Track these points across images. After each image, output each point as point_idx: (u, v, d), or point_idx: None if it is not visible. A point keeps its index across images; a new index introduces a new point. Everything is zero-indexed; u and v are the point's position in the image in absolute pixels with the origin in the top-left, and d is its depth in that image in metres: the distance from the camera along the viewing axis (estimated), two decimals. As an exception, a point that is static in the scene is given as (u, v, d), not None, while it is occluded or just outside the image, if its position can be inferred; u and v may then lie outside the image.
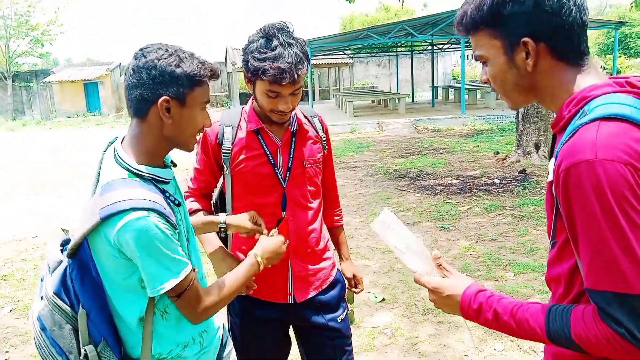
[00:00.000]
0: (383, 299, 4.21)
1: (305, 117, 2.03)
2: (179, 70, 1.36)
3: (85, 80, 30.03)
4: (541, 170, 8.60)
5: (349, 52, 27.28)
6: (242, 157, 1.90)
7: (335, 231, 2.27)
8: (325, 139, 2.07)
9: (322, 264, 2.05)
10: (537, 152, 9.29)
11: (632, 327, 0.90)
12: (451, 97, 25.76)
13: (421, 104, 23.66)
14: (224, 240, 1.99)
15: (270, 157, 1.91)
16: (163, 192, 1.42)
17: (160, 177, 1.44)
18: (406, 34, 19.25)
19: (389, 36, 18.73)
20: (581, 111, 1.01)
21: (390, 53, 30.72)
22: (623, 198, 0.90)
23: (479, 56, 1.15)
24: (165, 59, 1.37)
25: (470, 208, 6.82)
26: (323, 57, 29.16)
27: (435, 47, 25.95)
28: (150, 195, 1.33)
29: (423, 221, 6.35)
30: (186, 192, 2.00)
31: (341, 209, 2.30)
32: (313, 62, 25.18)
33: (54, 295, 1.37)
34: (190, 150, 1.51)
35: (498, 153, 10.42)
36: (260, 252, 1.66)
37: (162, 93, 1.37)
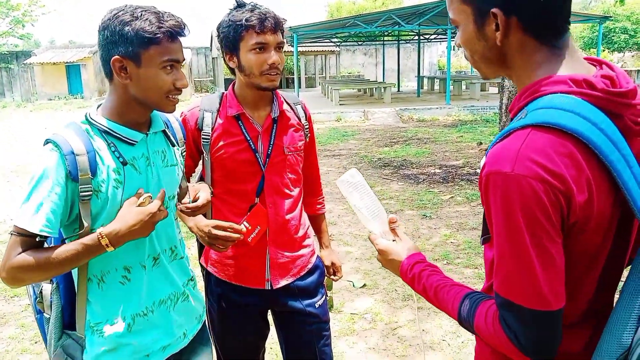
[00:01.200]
0: (364, 285, 4.25)
1: (288, 104, 2.01)
2: (127, 29, 1.35)
3: (67, 62, 29.47)
4: (523, 161, 8.70)
5: (335, 40, 27.15)
6: (221, 143, 1.89)
7: (317, 219, 2.27)
8: (307, 126, 2.06)
9: (301, 251, 2.06)
10: (520, 143, 9.38)
11: (519, 334, 0.93)
12: (437, 87, 25.84)
13: (407, 94, 23.70)
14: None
15: (251, 143, 1.90)
16: (110, 145, 1.42)
17: (115, 132, 1.44)
18: (393, 23, 19.21)
19: (376, 25, 18.68)
20: (525, 107, 0.97)
21: (377, 42, 30.65)
22: (531, 214, 0.89)
23: (451, 19, 1.09)
24: (117, 17, 1.36)
25: (452, 197, 6.88)
26: (310, 44, 29.00)
27: (421, 37, 25.96)
28: (70, 136, 1.37)
29: (405, 209, 6.40)
30: None
31: (323, 197, 2.30)
32: (299, 49, 25.00)
33: None
34: (168, 111, 1.49)
35: (481, 144, 10.52)
36: (110, 231, 1.35)
37: (114, 53, 1.38)
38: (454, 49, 25.59)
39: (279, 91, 1.99)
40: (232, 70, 1.89)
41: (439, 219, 6.00)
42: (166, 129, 1.62)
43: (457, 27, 1.09)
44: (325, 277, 2.22)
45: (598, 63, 1.03)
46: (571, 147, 0.89)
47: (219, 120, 1.91)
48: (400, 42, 27.63)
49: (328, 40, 27.35)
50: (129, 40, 1.35)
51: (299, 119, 2.03)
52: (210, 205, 1.62)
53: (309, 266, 2.09)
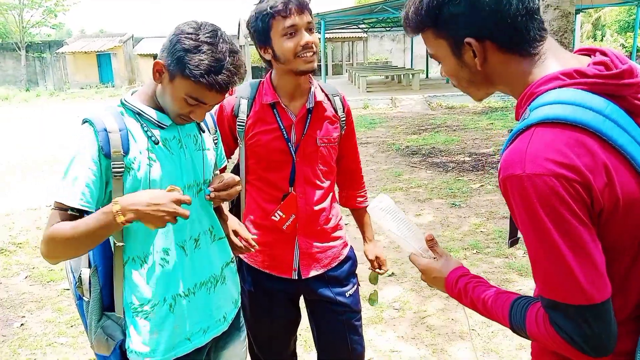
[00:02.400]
0: (392, 274, 4.23)
1: (326, 95, 2.00)
2: (179, 55, 1.37)
3: (98, 51, 30.03)
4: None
5: (363, 26, 26.90)
6: (256, 130, 1.90)
7: (359, 212, 2.24)
8: (344, 119, 2.03)
9: (332, 243, 2.06)
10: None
11: (571, 332, 0.92)
12: (466, 73, 25.36)
13: (435, 80, 23.36)
14: (237, 213, 2.01)
15: (284, 132, 1.90)
16: (143, 126, 1.48)
17: (146, 114, 1.49)
18: (422, 9, 18.87)
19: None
20: (527, 108, 0.99)
21: (405, 28, 30.17)
22: (554, 211, 0.88)
23: (431, 55, 1.13)
24: (187, 39, 1.37)
25: (482, 185, 6.78)
26: (336, 31, 28.79)
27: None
28: (104, 115, 1.45)
29: (434, 198, 6.34)
30: None
31: (366, 190, 2.26)
32: (326, 36, 24.85)
33: None
34: (178, 124, 1.54)
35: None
36: (126, 199, 1.32)
37: (161, 57, 1.43)
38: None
39: (318, 81, 1.99)
40: (269, 63, 1.88)
41: (469, 207, 5.92)
42: None
43: (437, 60, 1.13)
44: (370, 272, 2.22)
45: (591, 52, 1.05)
46: (579, 136, 0.89)
47: (255, 108, 1.92)
48: (428, 27, 27.15)
49: (356, 27, 27.11)
50: (177, 61, 1.38)
51: (336, 111, 2.00)
52: (240, 189, 1.62)
53: (341, 257, 2.09)
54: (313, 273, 2.01)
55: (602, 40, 32.79)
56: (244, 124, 1.91)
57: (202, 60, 1.35)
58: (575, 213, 0.88)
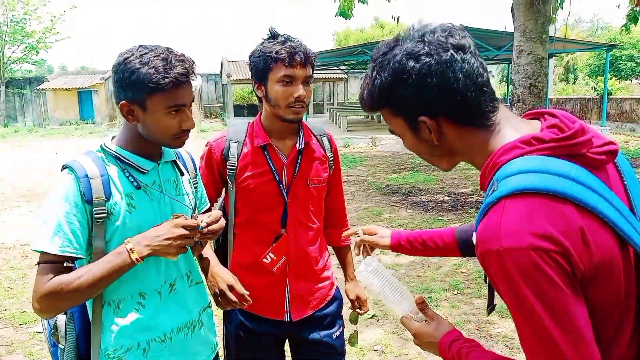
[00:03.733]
0: (374, 315, 4.20)
1: (314, 135, 2.02)
2: (134, 77, 1.37)
3: (79, 88, 29.95)
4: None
5: (343, 67, 27.46)
6: (247, 173, 1.90)
7: (343, 251, 2.25)
8: (332, 158, 2.06)
9: (321, 284, 2.05)
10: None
11: None
12: (444, 114, 25.87)
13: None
14: (224, 260, 1.98)
15: (276, 175, 1.90)
16: (124, 170, 1.47)
17: (126, 159, 1.48)
18: (401, 51, 19.39)
19: (384, 52, 18.84)
20: (492, 181, 0.99)
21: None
22: (536, 285, 0.87)
23: (391, 131, 1.15)
24: (128, 62, 1.38)
25: (461, 225, 6.83)
26: (318, 71, 29.30)
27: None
28: (85, 161, 1.43)
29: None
30: None
31: (349, 229, 2.24)
32: (308, 76, 25.27)
33: None
34: (176, 147, 1.54)
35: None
36: (135, 238, 1.39)
37: (122, 97, 1.42)
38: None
39: (305, 122, 2.01)
40: (260, 99, 1.90)
41: (449, 247, 5.94)
42: (177, 159, 1.65)
43: (398, 136, 1.15)
44: (351, 312, 2.21)
45: (539, 115, 1.08)
46: (551, 203, 0.89)
47: (245, 150, 1.92)
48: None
49: (336, 68, 27.65)
50: (135, 87, 1.39)
51: (324, 151, 2.03)
52: (224, 224, 1.60)
53: (328, 298, 2.08)
54: (303, 314, 1.99)
55: (574, 82, 33.88)
56: (234, 167, 1.91)
57: (152, 66, 1.36)
58: (557, 284, 0.87)
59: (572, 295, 0.89)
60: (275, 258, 1.91)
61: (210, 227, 1.50)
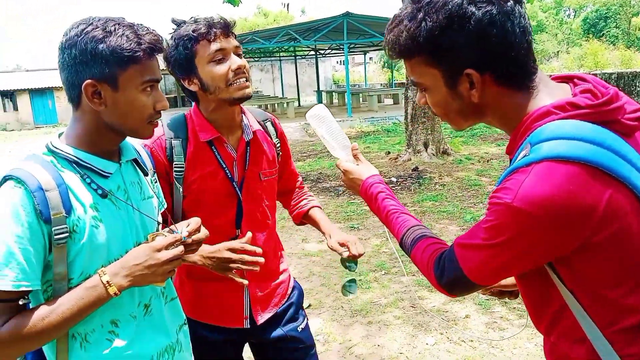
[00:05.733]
0: (309, 305, 4.11)
1: (258, 122, 1.83)
2: (102, 47, 1.13)
3: None
4: (432, 167, 9.06)
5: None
6: (197, 174, 1.67)
7: (312, 213, 2.00)
8: (279, 144, 1.89)
9: (280, 278, 1.91)
10: (426, 150, 9.78)
11: (441, 276, 1.09)
12: (335, 100, 26.44)
13: (308, 108, 23.89)
14: None
15: (227, 171, 1.70)
16: (84, 176, 1.20)
17: (84, 161, 1.21)
18: (290, 39, 19.42)
19: (275, 41, 18.76)
20: (522, 145, 0.98)
21: (272, 58, 30.79)
22: (514, 240, 0.94)
23: (416, 82, 1.07)
24: (87, 33, 1.13)
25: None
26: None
27: (318, 53, 26.49)
28: (34, 169, 1.13)
29: (332, 222, 6.36)
30: None
31: (307, 192, 2.08)
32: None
33: None
34: (146, 136, 1.29)
35: (389, 153, 10.83)
36: (111, 268, 1.16)
37: (85, 76, 1.15)
38: (344, 63, 26.35)
39: (245, 108, 1.82)
40: (194, 95, 1.66)
41: (367, 229, 6.03)
42: (137, 157, 1.40)
43: (422, 88, 1.08)
44: (344, 259, 1.87)
45: (569, 79, 1.06)
46: (580, 172, 0.88)
47: (190, 148, 1.67)
48: (297, 57, 27.99)
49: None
50: (103, 60, 1.14)
51: (270, 137, 1.86)
52: (207, 233, 1.37)
53: (288, 291, 1.94)
54: (266, 316, 1.83)
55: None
56: (182, 168, 1.66)
57: (121, 34, 1.15)
58: (534, 251, 0.94)
59: (533, 264, 0.98)
60: None
61: (194, 237, 1.27)
